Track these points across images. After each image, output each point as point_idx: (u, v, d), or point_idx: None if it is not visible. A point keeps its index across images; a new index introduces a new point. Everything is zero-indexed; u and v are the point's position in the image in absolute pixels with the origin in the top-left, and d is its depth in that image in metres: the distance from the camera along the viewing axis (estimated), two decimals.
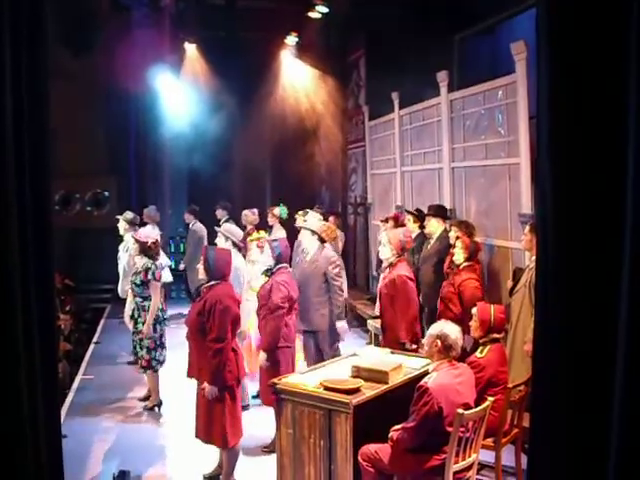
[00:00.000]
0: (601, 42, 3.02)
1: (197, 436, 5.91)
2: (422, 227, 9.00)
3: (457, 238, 7.47)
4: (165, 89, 14.58)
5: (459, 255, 7.22)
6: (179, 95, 14.58)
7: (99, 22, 12.20)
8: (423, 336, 6.71)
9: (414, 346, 6.55)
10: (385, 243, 6.92)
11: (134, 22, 12.61)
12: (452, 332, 4.91)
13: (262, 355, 6.53)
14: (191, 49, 14.35)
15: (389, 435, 4.84)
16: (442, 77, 9.71)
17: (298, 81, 14.83)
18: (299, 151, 14.63)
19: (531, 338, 6.14)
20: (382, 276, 7.28)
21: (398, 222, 9.53)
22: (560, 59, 3.15)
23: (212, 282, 5.84)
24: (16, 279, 3.12)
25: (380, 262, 8.92)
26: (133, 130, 15.19)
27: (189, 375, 5.99)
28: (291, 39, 14.29)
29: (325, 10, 12.67)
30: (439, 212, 8.70)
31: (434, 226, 8.56)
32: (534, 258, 6.42)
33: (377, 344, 8.30)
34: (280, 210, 10.91)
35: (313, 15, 13.03)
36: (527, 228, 6.73)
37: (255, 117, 14.23)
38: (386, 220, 10.15)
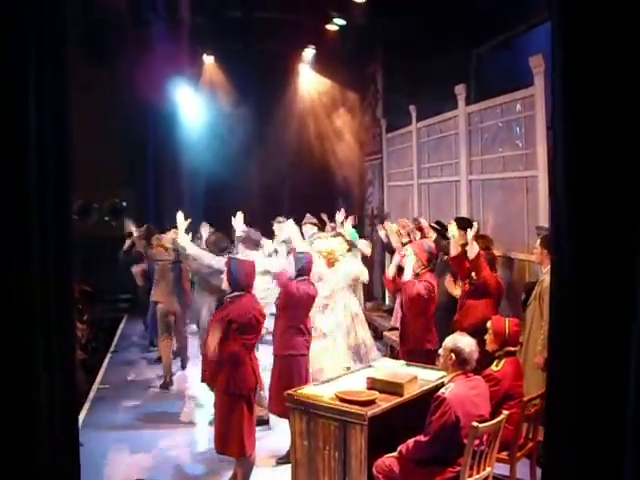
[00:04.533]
0: (615, 55, 3.04)
1: (215, 447, 5.92)
2: (444, 239, 8.97)
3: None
4: (183, 101, 14.70)
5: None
6: (197, 107, 14.69)
7: (119, 35, 12.31)
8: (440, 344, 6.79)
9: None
10: (410, 254, 6.92)
11: (153, 35, 12.71)
12: (467, 346, 4.89)
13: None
14: (209, 61, 14.46)
15: (398, 449, 4.84)
16: (460, 90, 9.73)
17: (315, 93, 14.89)
18: (316, 163, 14.66)
19: (541, 351, 6.17)
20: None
21: (423, 234, 9.51)
22: (575, 72, 3.17)
23: (235, 293, 5.87)
24: (36, 288, 3.16)
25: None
26: (151, 141, 15.31)
27: (202, 380, 6.09)
28: (308, 51, 14.35)
29: (342, 22, 12.71)
30: (460, 224, 8.67)
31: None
32: (545, 271, 6.44)
33: (393, 356, 8.29)
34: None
35: (330, 27, 13.08)
36: (538, 242, 6.73)
37: (272, 129, 14.30)
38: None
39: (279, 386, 6.16)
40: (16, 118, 3.12)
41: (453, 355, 4.88)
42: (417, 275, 6.86)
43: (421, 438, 4.70)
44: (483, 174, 9.21)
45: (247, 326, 5.66)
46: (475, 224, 7.57)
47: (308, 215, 10.30)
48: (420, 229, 9.86)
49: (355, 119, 14.73)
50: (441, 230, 9.05)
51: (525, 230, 8.00)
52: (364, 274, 8.23)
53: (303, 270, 6.74)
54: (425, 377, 5.69)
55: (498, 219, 8.76)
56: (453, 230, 7.47)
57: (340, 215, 10.43)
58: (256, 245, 8.35)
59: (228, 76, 14.43)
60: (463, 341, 4.94)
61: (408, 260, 6.99)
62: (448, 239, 8.83)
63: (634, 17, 2.97)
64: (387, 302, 12.70)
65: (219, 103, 14.41)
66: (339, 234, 8.33)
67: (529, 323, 6.67)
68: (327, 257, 7.58)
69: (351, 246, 8.31)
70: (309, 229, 9.84)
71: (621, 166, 3.06)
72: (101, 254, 14.60)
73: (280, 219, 10.83)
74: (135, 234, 11.39)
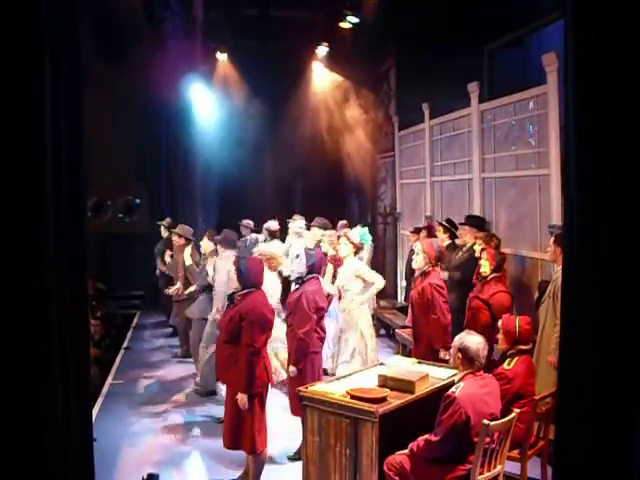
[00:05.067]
0: (629, 53, 3.04)
1: (224, 444, 5.96)
2: (452, 237, 9.01)
3: (482, 250, 7.46)
4: (197, 98, 14.75)
5: (485, 267, 7.21)
6: (211, 104, 14.74)
7: (134, 33, 12.37)
8: None
9: (447, 357, 6.55)
10: (419, 252, 6.94)
11: (167, 33, 12.76)
12: (473, 344, 4.89)
13: (291, 368, 6.56)
14: (223, 59, 14.48)
15: (409, 446, 4.85)
16: (473, 87, 9.71)
17: (328, 91, 14.90)
18: (329, 161, 14.67)
19: (555, 349, 6.16)
20: (414, 285, 7.29)
21: (431, 232, 9.54)
22: (587, 70, 3.17)
23: (245, 290, 5.91)
24: (51, 286, 3.19)
25: (410, 271, 8.94)
26: (165, 138, 15.35)
27: (217, 378, 6.12)
28: (322, 49, 14.35)
29: (356, 20, 12.71)
30: (472, 222, 8.69)
31: (467, 236, 8.56)
32: (558, 269, 6.43)
33: (405, 354, 8.30)
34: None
35: (344, 25, 13.07)
36: (551, 239, 6.73)
37: (285, 126, 14.32)
38: (416, 231, 10.17)
39: (294, 386, 6.15)
40: (30, 118, 3.16)
41: (460, 354, 4.90)
42: (425, 273, 6.89)
43: (432, 438, 4.71)
44: (496, 172, 9.19)
45: (258, 322, 5.69)
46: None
47: (317, 218, 10.32)
48: (430, 227, 9.90)
49: (368, 117, 14.72)
50: (450, 228, 9.08)
51: (537, 228, 7.99)
52: (369, 275, 8.11)
53: (313, 267, 6.77)
54: (436, 375, 5.70)
55: (511, 217, 8.75)
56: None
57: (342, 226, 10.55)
58: (233, 246, 8.50)
59: (241, 73, 14.44)
60: (470, 339, 4.94)
61: (415, 258, 7.02)
62: (457, 237, 8.90)
63: None
64: (399, 300, 12.70)
65: (232, 100, 14.43)
66: (344, 235, 8.16)
67: (542, 321, 6.67)
68: (267, 262, 7.42)
69: (357, 248, 8.07)
70: (317, 232, 9.85)
71: (634, 165, 3.06)
72: (114, 251, 14.70)
73: (296, 217, 10.94)
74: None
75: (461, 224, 8.87)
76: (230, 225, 12.42)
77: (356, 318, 7.89)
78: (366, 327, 7.96)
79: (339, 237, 8.14)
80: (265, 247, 7.91)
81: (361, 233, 8.19)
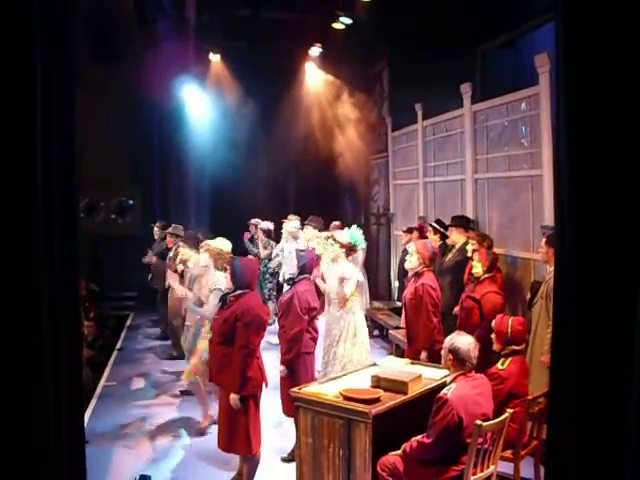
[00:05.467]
0: (620, 53, 3.05)
1: (219, 446, 5.95)
2: (443, 238, 9.02)
3: (474, 251, 7.47)
4: (190, 99, 14.73)
5: (478, 268, 7.21)
6: (203, 105, 14.72)
7: (126, 34, 12.35)
8: None
9: (423, 354, 6.59)
10: (412, 252, 6.95)
11: (160, 34, 12.73)
12: (464, 344, 4.90)
13: (282, 368, 6.56)
14: (216, 59, 14.46)
15: (402, 447, 4.86)
16: (465, 88, 9.73)
17: (321, 91, 14.88)
18: (322, 161, 14.66)
19: (548, 349, 6.17)
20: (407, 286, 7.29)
21: (423, 233, 9.55)
22: (578, 71, 3.18)
23: (239, 291, 5.90)
24: (43, 287, 3.19)
25: (403, 272, 8.93)
26: (158, 139, 15.34)
27: (210, 380, 6.12)
28: (315, 50, 14.31)
29: (349, 21, 12.68)
30: (460, 223, 8.70)
31: (456, 237, 8.58)
32: (551, 270, 6.44)
33: (398, 354, 8.30)
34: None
35: (337, 26, 13.05)
36: (543, 240, 6.75)
37: (278, 127, 14.30)
38: (409, 231, 10.18)
39: (287, 387, 6.15)
40: (22, 117, 3.15)
41: (451, 355, 4.90)
42: (418, 274, 6.89)
43: (425, 440, 4.71)
44: (488, 173, 9.21)
45: (253, 323, 5.68)
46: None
47: (311, 217, 10.31)
48: (421, 228, 9.92)
49: (361, 117, 14.70)
50: (440, 229, 9.10)
51: (530, 229, 8.00)
52: (347, 285, 7.12)
53: (304, 268, 6.76)
54: (429, 375, 5.71)
55: (503, 218, 8.77)
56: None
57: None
58: (197, 244, 8.41)
59: (234, 74, 14.41)
60: (460, 340, 4.95)
61: (408, 258, 7.02)
62: (447, 237, 8.91)
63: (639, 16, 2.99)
64: (393, 300, 12.71)
65: (225, 101, 14.40)
66: (331, 236, 7.60)
67: (535, 322, 6.69)
68: (214, 258, 7.25)
69: (348, 249, 7.37)
70: (310, 231, 9.84)
71: (625, 165, 3.07)
72: (107, 252, 14.67)
73: (291, 217, 10.94)
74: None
75: (449, 225, 8.88)
76: (225, 226, 12.47)
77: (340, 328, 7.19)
78: (345, 344, 7.11)
79: (328, 238, 7.93)
80: (213, 242, 7.53)
81: (350, 233, 7.74)
